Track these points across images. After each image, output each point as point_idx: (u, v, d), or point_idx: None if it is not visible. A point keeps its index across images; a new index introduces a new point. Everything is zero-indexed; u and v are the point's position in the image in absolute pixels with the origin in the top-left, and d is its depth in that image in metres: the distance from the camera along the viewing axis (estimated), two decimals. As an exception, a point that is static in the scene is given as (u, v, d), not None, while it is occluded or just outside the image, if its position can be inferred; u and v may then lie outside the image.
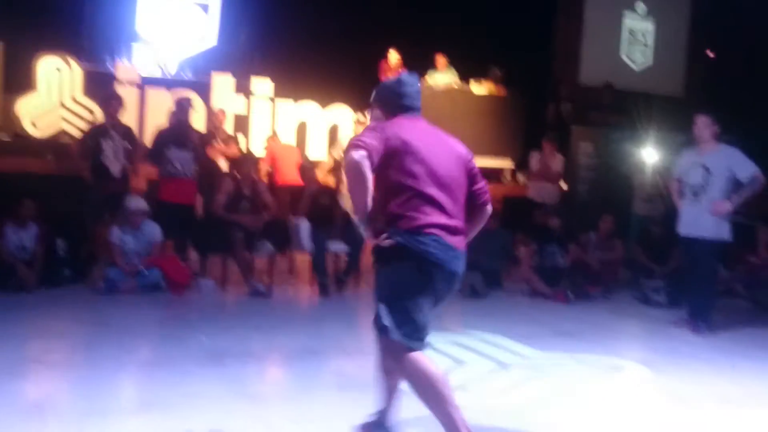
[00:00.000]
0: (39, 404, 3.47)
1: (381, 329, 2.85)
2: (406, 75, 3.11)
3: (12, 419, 3.20)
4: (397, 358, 2.81)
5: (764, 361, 4.93)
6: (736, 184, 5.58)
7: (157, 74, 10.19)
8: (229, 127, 9.02)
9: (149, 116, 9.03)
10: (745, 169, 5.53)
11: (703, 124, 5.69)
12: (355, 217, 2.82)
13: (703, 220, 5.59)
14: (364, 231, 2.82)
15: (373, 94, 3.17)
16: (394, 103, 3.03)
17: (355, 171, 2.67)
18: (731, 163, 5.56)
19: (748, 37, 11.51)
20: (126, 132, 7.07)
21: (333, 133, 10.02)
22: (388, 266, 2.86)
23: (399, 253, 2.78)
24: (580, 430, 3.47)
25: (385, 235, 2.79)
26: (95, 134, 6.96)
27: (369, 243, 2.88)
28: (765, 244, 7.66)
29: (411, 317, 2.81)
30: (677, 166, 6.07)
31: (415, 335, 2.81)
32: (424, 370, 2.74)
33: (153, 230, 6.48)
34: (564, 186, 9.77)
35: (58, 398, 3.68)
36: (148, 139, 7.60)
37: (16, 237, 6.19)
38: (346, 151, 2.74)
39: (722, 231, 5.58)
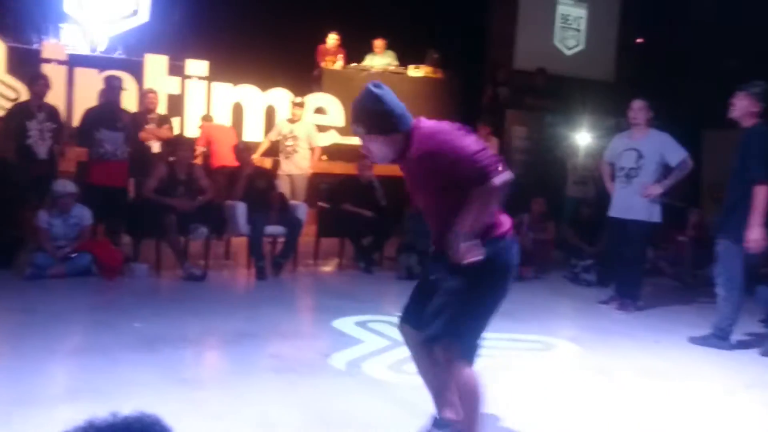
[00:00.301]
0: (-38, 394, 3.36)
1: (450, 348, 2.70)
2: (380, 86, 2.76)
3: (-67, 410, 3.09)
4: (455, 371, 2.73)
5: (684, 335, 5.14)
6: (666, 168, 5.76)
7: (86, 52, 9.87)
8: (162, 108, 8.82)
9: (78, 96, 8.73)
10: (676, 153, 5.71)
11: (639, 109, 5.82)
12: (464, 234, 2.55)
13: (635, 202, 5.75)
14: (463, 245, 2.56)
15: (362, 124, 2.75)
16: (399, 117, 2.69)
17: (502, 191, 2.59)
18: (662, 147, 5.73)
19: (676, 24, 11.88)
20: (52, 112, 6.84)
21: (270, 115, 9.91)
22: (478, 282, 2.63)
23: (488, 266, 2.61)
24: (510, 405, 3.57)
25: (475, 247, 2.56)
26: (19, 114, 6.72)
27: (463, 258, 2.56)
28: (693, 224, 7.97)
29: (480, 335, 2.75)
30: (608, 150, 6.23)
31: (477, 352, 2.77)
32: (477, 388, 2.75)
33: (83, 214, 6.30)
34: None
35: (-18, 387, 3.57)
36: (76, 119, 7.37)
37: (-65, 222, 5.94)
38: (485, 171, 2.55)
39: (653, 213, 5.77)
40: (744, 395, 3.96)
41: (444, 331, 2.65)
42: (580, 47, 12.87)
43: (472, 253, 2.55)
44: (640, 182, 5.74)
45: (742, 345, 4.98)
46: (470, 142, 2.62)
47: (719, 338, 4.87)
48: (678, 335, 5.17)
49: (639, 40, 13.04)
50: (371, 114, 2.72)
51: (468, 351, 2.72)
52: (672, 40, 11.95)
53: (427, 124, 2.73)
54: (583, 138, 9.56)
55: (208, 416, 3.18)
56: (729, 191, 4.85)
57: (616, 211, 5.94)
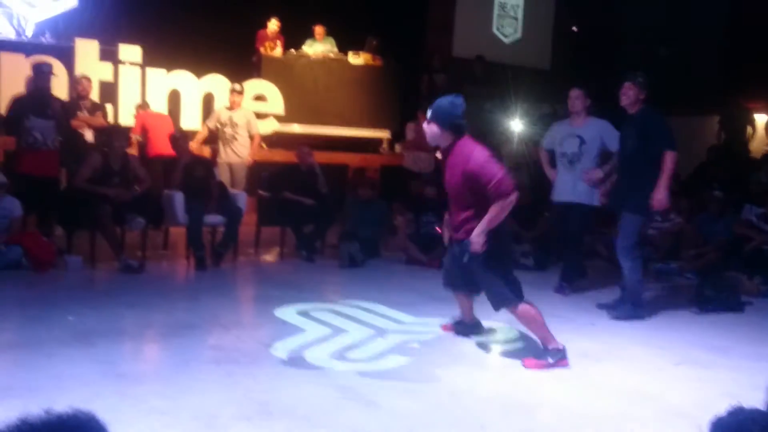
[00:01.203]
0: None
1: (505, 306, 4.10)
2: (460, 99, 4.04)
3: None
4: (516, 314, 4.08)
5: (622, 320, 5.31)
6: (606, 154, 5.98)
7: (12, 37, 9.48)
8: (95, 95, 8.55)
9: (3, 83, 8.40)
10: (615, 139, 5.86)
11: (576, 97, 6.00)
12: (481, 232, 3.91)
13: (578, 186, 5.95)
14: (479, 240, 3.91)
15: (432, 112, 4.05)
16: (458, 125, 4.00)
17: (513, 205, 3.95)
18: (603, 134, 5.93)
19: (611, 13, 12.17)
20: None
21: (207, 102, 9.73)
22: (490, 257, 3.97)
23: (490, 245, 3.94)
24: (450, 387, 3.63)
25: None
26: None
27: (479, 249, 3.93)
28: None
29: (510, 280, 4.12)
30: (547, 137, 6.37)
31: (518, 287, 4.10)
32: (534, 313, 4.07)
33: (12, 205, 6.09)
34: (439, 155, 10.01)
35: None
36: (3, 107, 7.09)
37: None
38: (506, 191, 3.88)
39: (594, 197, 5.98)
40: (673, 372, 4.11)
41: (496, 302, 4.09)
42: (518, 35, 13.05)
43: (483, 246, 3.90)
44: (582, 167, 5.93)
45: (666, 325, 5.19)
46: (497, 169, 3.88)
47: (638, 306, 5.36)
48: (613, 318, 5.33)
49: (574, 29, 13.31)
50: (442, 109, 4.02)
51: (513, 294, 4.03)
52: (606, 28, 12.26)
53: (471, 142, 4.01)
54: (517, 125, 9.71)
55: (147, 411, 3.13)
56: (627, 171, 5.38)
57: (559, 195, 6.11)
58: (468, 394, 3.58)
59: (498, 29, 12.90)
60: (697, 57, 11.78)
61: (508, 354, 4.37)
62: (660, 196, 5.13)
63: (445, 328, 4.72)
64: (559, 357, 4.02)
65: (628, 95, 5.25)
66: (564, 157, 6.05)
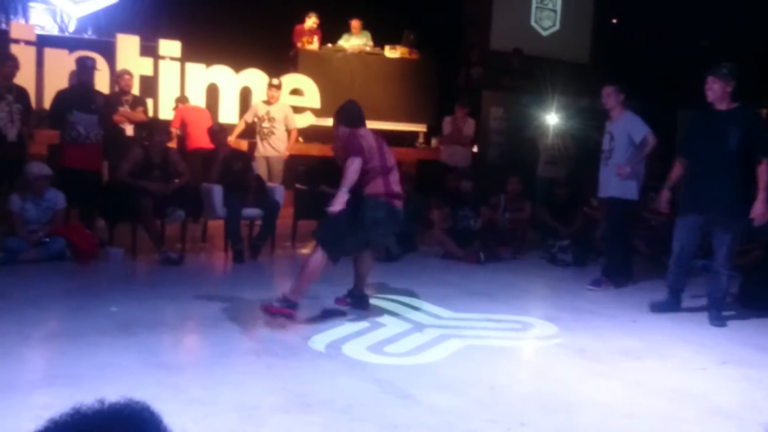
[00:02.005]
0: (-64, 382, 3.30)
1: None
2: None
3: None
4: (313, 256, 4.61)
5: (663, 316, 5.21)
6: (637, 147, 5.93)
7: (55, 33, 9.67)
8: (135, 89, 8.67)
9: (47, 78, 8.56)
10: (638, 132, 5.92)
11: (607, 94, 6.00)
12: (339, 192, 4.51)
13: (612, 182, 5.96)
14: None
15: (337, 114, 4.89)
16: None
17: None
18: (628, 127, 5.93)
19: (651, 4, 11.93)
20: (21, 94, 6.69)
21: (245, 96, 9.80)
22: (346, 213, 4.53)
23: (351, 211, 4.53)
24: (489, 382, 3.59)
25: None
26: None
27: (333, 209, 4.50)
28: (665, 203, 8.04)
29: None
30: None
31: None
32: (316, 270, 4.61)
33: (56, 198, 6.20)
34: (475, 149, 9.96)
35: (-44, 374, 3.51)
36: (47, 101, 7.23)
37: None
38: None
39: (627, 191, 5.94)
40: (717, 371, 4.02)
41: (322, 242, 4.58)
42: (556, 27, 12.88)
43: (337, 207, 4.46)
44: (615, 163, 5.94)
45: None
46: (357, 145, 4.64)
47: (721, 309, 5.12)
48: (655, 315, 5.24)
49: (614, 21, 13.09)
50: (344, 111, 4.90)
51: (332, 247, 4.55)
52: (646, 20, 12.02)
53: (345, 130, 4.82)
54: (554, 118, 9.58)
55: (188, 401, 3.16)
56: (725, 172, 4.90)
57: (600, 191, 6.20)
58: (508, 390, 3.55)
59: (536, 22, 12.75)
60: (740, 50, 11.48)
61: (549, 351, 4.32)
62: (761, 210, 4.81)
63: (338, 301, 5.01)
64: (286, 305, 4.50)
65: (714, 90, 4.96)
66: (602, 153, 6.12)
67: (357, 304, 4.95)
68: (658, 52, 11.42)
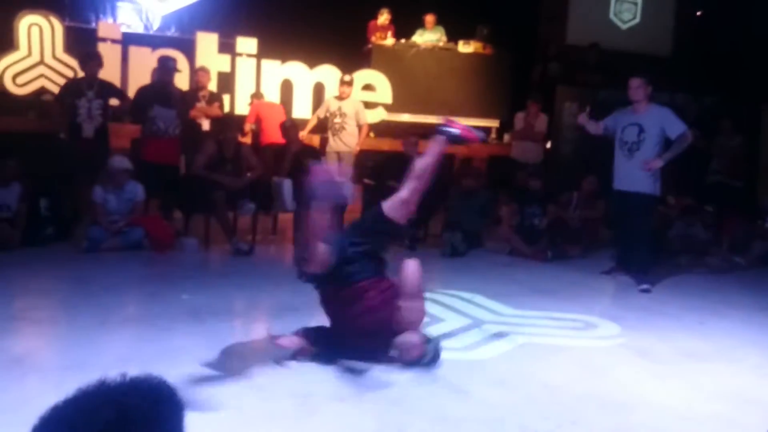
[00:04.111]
0: (20, 358, 3.55)
1: None
2: None
3: (-7, 373, 3.29)
4: None
5: (732, 319, 5.05)
6: (667, 142, 5.87)
7: (140, 31, 10.09)
8: (213, 85, 8.98)
9: (132, 75, 8.97)
10: (676, 127, 5.83)
11: (637, 87, 5.95)
12: None
13: (637, 175, 5.89)
14: None
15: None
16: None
17: None
18: (663, 121, 5.86)
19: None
20: (105, 89, 7.04)
21: (318, 92, 9.98)
22: None
23: None
24: (550, 385, 3.58)
25: None
26: (70, 93, 6.94)
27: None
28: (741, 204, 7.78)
29: None
30: (611, 118, 6.27)
31: None
32: None
33: (136, 189, 6.51)
34: (548, 145, 9.82)
35: (39, 353, 3.77)
36: (130, 97, 7.58)
37: (-1, 196, 6.22)
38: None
39: (656, 187, 5.93)
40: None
41: None
42: (636, 20, 12.53)
43: None
44: (642, 156, 5.87)
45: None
46: None
47: None
48: (723, 317, 5.08)
49: (698, 13, 12.63)
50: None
51: None
52: (732, 12, 11.54)
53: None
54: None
55: (249, 386, 3.31)
56: None
57: (619, 183, 6.11)
58: (563, 388, 3.53)
59: (615, 15, 12.43)
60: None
61: (609, 351, 4.26)
62: None
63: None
64: None
65: None
66: (624, 145, 6.02)
67: None
68: (743, 46, 10.96)
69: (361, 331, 3.62)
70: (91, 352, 3.69)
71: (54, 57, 8.82)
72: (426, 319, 4.57)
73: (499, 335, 4.37)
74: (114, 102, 7.15)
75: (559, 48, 11.44)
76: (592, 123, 6.33)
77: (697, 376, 3.82)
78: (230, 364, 3.60)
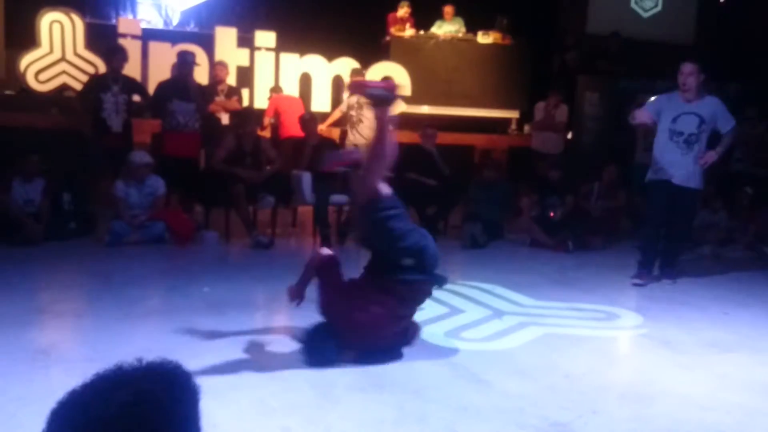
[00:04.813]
0: (45, 350, 3.59)
1: None
2: None
3: (19, 364, 3.34)
4: None
5: (757, 310, 4.99)
6: (723, 135, 5.54)
7: (160, 26, 10.15)
8: (232, 79, 9.01)
9: (152, 70, 9.03)
10: (729, 120, 5.48)
11: (689, 73, 5.42)
12: None
13: (695, 170, 5.51)
14: None
15: None
16: None
17: None
18: (718, 114, 5.48)
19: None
20: (129, 84, 7.09)
21: (336, 84, 9.97)
22: None
23: None
24: (565, 370, 3.56)
25: None
26: (94, 88, 7.00)
27: None
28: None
29: None
30: (652, 106, 5.75)
31: None
32: None
33: (157, 184, 6.56)
34: (569, 136, 9.74)
35: (63, 345, 3.82)
36: (150, 92, 7.62)
37: (22, 191, 6.29)
38: None
39: (704, 180, 5.64)
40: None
41: None
42: (658, 8, 12.37)
43: None
44: (701, 149, 5.47)
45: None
46: None
47: None
48: (748, 308, 5.02)
49: (721, 0, 12.44)
50: None
51: None
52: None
53: None
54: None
55: (270, 377, 3.33)
56: None
57: (672, 176, 5.53)
58: (583, 378, 3.51)
59: (637, 3, 12.28)
60: None
61: (632, 341, 4.23)
62: None
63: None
64: None
65: None
66: (680, 136, 5.49)
67: None
68: (766, 33, 10.78)
69: (355, 324, 3.61)
70: (114, 344, 3.72)
71: (75, 53, 8.89)
72: (446, 310, 4.59)
73: (519, 326, 4.36)
74: (136, 98, 7.19)
75: (579, 37, 11.33)
76: (642, 112, 5.78)
77: (720, 366, 3.77)
78: (251, 355, 3.63)
